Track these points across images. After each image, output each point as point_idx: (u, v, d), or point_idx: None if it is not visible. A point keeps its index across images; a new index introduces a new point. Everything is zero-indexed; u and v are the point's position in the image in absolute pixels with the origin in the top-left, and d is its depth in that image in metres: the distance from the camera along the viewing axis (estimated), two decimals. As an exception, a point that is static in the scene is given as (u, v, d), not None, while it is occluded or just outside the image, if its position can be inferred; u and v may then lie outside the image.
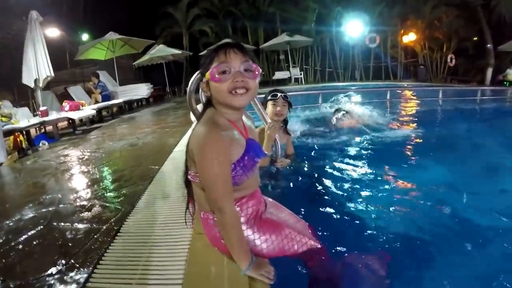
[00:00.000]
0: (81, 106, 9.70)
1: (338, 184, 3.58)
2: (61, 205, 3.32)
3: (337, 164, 4.17)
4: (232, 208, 1.80)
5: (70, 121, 8.88)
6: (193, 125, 1.83)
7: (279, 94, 3.75)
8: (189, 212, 2.11)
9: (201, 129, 1.77)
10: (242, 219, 1.95)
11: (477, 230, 2.61)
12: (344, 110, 6.27)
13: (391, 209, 2.96)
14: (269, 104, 3.77)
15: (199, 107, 2.01)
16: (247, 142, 1.91)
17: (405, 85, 18.88)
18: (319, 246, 2.09)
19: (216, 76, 1.78)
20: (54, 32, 14.57)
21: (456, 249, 2.38)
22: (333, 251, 2.30)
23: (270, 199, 2.36)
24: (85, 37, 20.19)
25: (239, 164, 1.83)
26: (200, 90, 1.95)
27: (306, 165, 4.06)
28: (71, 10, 19.80)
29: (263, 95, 3.87)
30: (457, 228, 2.65)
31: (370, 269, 2.15)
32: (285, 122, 3.98)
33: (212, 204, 1.82)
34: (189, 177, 1.93)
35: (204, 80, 1.86)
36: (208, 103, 1.91)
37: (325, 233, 2.42)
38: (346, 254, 2.31)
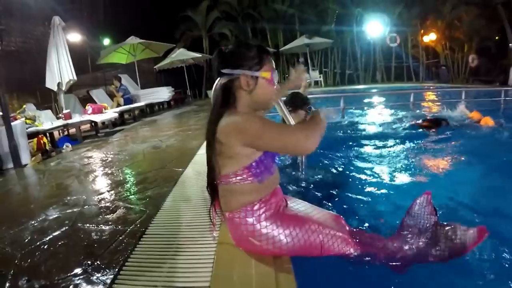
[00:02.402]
0: (103, 109, 9.80)
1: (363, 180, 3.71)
2: (85, 206, 3.32)
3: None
4: (307, 132, 1.85)
5: (93, 124, 8.95)
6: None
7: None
8: (214, 215, 2.09)
9: (231, 116, 1.82)
10: (265, 215, 1.97)
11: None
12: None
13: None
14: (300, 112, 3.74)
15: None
16: None
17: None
18: (349, 235, 2.07)
19: (274, 79, 1.94)
20: (76, 37, 14.77)
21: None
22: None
23: (291, 196, 2.38)
24: (106, 41, 20.43)
25: (261, 160, 1.90)
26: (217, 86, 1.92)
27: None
28: (92, 16, 20.09)
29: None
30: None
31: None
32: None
33: (299, 149, 2.00)
34: (220, 180, 1.95)
35: (254, 75, 1.90)
36: (227, 98, 1.91)
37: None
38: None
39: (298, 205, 2.27)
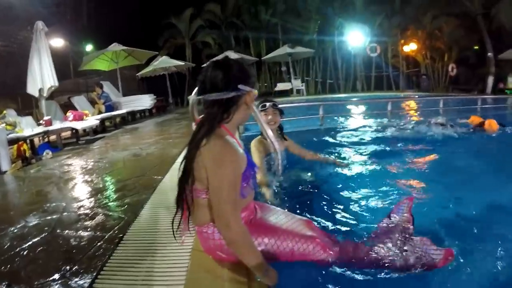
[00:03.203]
0: (84, 116, 9.77)
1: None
2: (65, 213, 3.37)
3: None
4: (240, 224, 1.87)
5: (74, 131, 8.89)
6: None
7: (267, 104, 3.87)
8: (182, 227, 2.12)
9: (218, 144, 1.84)
10: None
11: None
12: None
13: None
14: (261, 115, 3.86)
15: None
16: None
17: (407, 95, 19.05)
18: (320, 239, 2.15)
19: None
20: (58, 42, 14.74)
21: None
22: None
23: (261, 203, 2.44)
24: (89, 47, 20.34)
25: (243, 176, 1.94)
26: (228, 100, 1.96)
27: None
28: (75, 21, 20.05)
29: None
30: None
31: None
32: (281, 128, 4.09)
33: (220, 221, 1.88)
34: (190, 193, 1.98)
35: (253, 94, 2.03)
36: (227, 113, 1.97)
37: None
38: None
39: (269, 213, 2.33)
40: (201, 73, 1.99)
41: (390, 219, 2.52)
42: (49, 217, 3.27)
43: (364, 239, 2.43)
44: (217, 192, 1.84)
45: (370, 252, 2.22)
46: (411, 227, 2.41)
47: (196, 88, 2.06)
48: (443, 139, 6.16)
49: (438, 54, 24.60)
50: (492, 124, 6.55)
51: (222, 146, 1.84)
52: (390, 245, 2.26)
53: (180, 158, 5.13)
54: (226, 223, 1.82)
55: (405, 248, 2.23)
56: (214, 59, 2.09)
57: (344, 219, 3.00)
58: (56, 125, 8.29)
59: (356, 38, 24.46)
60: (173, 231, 2.06)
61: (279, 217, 2.31)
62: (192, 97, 3.25)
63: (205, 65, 2.08)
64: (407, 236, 2.34)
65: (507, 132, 6.45)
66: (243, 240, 1.87)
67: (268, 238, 2.07)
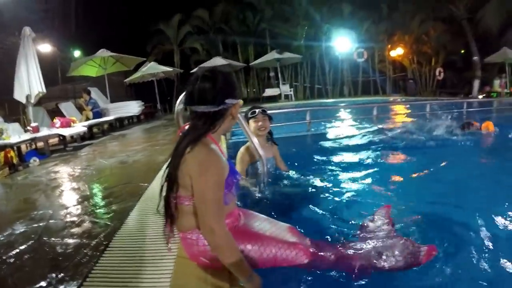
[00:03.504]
0: (72, 123, 9.76)
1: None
2: (51, 221, 3.39)
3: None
4: (224, 229, 1.91)
5: (61, 137, 8.86)
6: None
7: (257, 111, 3.94)
8: (168, 233, 2.16)
9: (202, 152, 1.90)
10: None
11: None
12: None
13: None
14: (251, 122, 3.93)
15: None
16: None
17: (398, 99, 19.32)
18: (303, 245, 2.20)
19: None
20: (46, 48, 14.67)
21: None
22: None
23: (245, 210, 2.48)
24: (77, 53, 20.26)
25: (225, 183, 1.97)
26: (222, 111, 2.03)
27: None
28: (63, 27, 19.97)
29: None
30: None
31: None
32: (270, 134, 4.16)
33: (205, 227, 1.92)
34: (174, 200, 2.03)
35: (238, 105, 2.09)
36: (213, 125, 2.01)
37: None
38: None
39: (253, 220, 2.37)
40: (189, 83, 2.03)
41: (372, 222, 2.60)
42: (35, 225, 3.29)
43: (347, 242, 2.48)
44: (201, 198, 1.89)
45: (354, 255, 2.28)
46: (392, 228, 2.49)
47: (182, 97, 2.10)
48: (432, 142, 6.33)
49: (425, 58, 24.95)
50: (489, 126, 6.68)
51: (207, 154, 1.89)
52: (373, 246, 2.33)
53: (166, 165, 5.18)
54: (211, 229, 1.87)
55: (388, 248, 2.30)
56: (203, 67, 2.15)
57: (327, 224, 3.05)
58: (44, 131, 8.26)
59: (343, 43, 24.71)
60: (167, 238, 2.13)
61: (262, 223, 2.35)
62: (178, 106, 3.30)
63: (194, 73, 2.11)
64: (389, 237, 2.42)
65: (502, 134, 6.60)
66: (227, 245, 1.91)
67: (251, 244, 2.11)
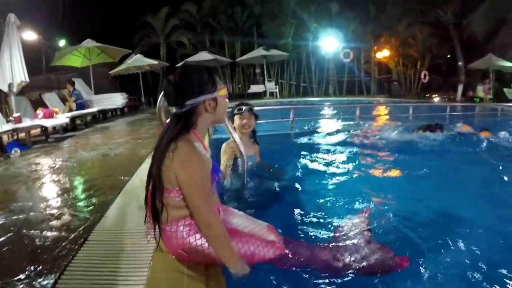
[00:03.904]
0: (55, 113, 9.66)
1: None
2: (31, 213, 3.39)
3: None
4: (218, 219, 2.00)
5: (43, 128, 8.77)
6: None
7: (244, 108, 3.96)
8: (150, 227, 2.18)
9: (185, 149, 1.94)
10: (195, 229, 2.07)
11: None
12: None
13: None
14: (236, 118, 3.96)
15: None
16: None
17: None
18: (279, 243, 2.28)
19: (226, 94, 2.19)
20: (31, 35, 14.42)
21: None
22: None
23: (225, 206, 2.54)
24: (62, 43, 19.99)
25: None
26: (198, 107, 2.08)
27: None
28: (49, 15, 19.72)
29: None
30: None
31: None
32: (254, 132, 4.17)
33: (200, 221, 1.99)
34: (160, 193, 2.04)
35: (214, 97, 2.10)
36: (188, 125, 2.04)
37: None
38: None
39: (231, 216, 2.43)
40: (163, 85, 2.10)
41: (349, 225, 2.68)
42: (15, 217, 3.28)
43: (323, 243, 2.56)
44: (191, 195, 1.95)
45: (330, 255, 2.34)
46: (369, 234, 2.57)
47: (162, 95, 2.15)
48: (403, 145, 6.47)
49: (410, 61, 25.23)
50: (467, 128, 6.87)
51: (189, 148, 1.94)
52: (349, 248, 2.41)
53: (148, 159, 5.20)
54: (207, 223, 1.95)
55: (364, 252, 2.37)
56: (188, 61, 2.18)
57: (304, 224, 3.09)
58: (26, 122, 8.19)
59: (330, 43, 24.86)
60: (147, 231, 2.18)
61: (241, 220, 2.41)
62: (159, 103, 3.33)
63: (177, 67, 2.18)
64: (364, 241, 2.49)
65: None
66: (224, 236, 1.99)
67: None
